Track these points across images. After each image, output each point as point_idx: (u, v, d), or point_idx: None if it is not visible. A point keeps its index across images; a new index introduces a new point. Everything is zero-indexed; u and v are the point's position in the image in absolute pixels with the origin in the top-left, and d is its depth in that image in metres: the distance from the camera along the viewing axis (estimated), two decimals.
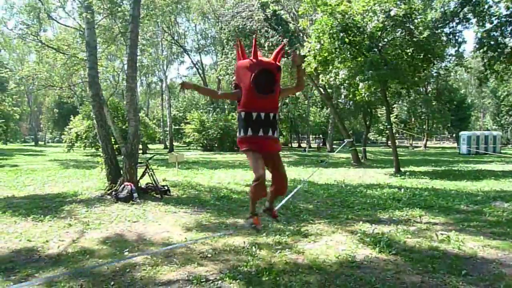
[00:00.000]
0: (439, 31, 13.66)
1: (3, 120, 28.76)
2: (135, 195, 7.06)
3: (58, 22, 16.74)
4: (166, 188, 7.92)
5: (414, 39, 12.14)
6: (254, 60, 3.34)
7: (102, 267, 3.63)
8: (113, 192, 7.24)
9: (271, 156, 3.52)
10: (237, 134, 3.54)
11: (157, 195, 7.51)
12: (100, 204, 6.80)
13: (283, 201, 5.47)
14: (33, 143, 48.54)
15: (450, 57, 15.57)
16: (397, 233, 4.78)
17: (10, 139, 41.38)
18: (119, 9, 10.02)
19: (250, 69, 3.31)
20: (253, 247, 4.21)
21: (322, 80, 13.13)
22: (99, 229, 5.14)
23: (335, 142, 32.01)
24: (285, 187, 3.70)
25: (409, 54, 12.57)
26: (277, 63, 3.44)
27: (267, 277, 3.32)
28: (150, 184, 7.83)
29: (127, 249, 4.18)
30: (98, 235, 4.82)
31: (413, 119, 36.73)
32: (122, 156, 7.70)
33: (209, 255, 3.97)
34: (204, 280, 3.27)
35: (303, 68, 3.36)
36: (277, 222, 4.63)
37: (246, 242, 4.42)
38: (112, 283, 3.23)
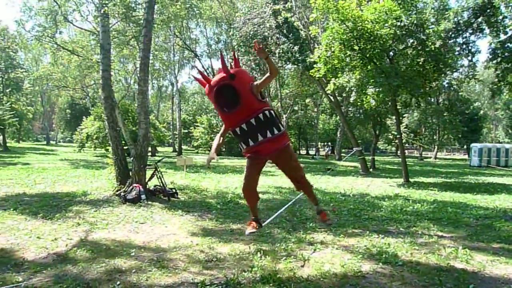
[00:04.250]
0: (451, 41, 13.59)
1: (17, 119, 29.26)
2: (143, 196, 7.13)
3: (74, 25, 17.07)
4: (173, 191, 7.98)
5: (426, 49, 12.09)
6: (209, 84, 3.36)
7: (109, 266, 3.67)
8: (122, 193, 7.31)
9: (276, 155, 3.53)
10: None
11: (164, 198, 7.57)
12: (108, 204, 6.88)
13: (272, 217, 5.44)
14: (45, 142, 49.30)
15: (462, 68, 15.45)
16: (404, 244, 4.73)
17: (23, 138, 42.07)
18: (133, 13, 10.20)
19: (210, 94, 3.37)
20: (258, 253, 4.21)
21: (334, 84, 13.11)
22: (106, 229, 5.21)
23: (343, 150, 31.84)
24: (301, 181, 3.76)
25: (420, 64, 12.52)
26: (230, 70, 3.31)
27: (271, 283, 3.32)
28: (158, 187, 7.89)
29: (134, 250, 4.21)
30: (106, 235, 4.88)
31: (423, 130, 36.39)
32: (131, 158, 7.78)
33: (214, 259, 3.98)
34: (209, 284, 3.28)
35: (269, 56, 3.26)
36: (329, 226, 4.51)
37: (251, 248, 4.42)
38: (118, 282, 3.26)
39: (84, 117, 28.77)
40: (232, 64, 3.49)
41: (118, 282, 3.28)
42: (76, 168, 14.97)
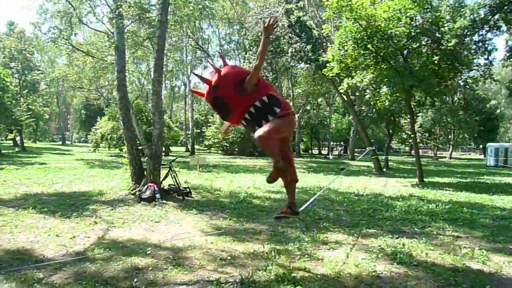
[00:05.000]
0: (467, 39, 13.35)
1: (34, 120, 29.89)
2: (158, 196, 7.23)
3: (89, 27, 17.35)
4: (187, 190, 8.07)
5: (441, 47, 11.92)
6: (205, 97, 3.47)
7: (126, 264, 3.75)
8: (137, 193, 7.43)
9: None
10: None
11: (178, 197, 7.66)
12: (124, 203, 7.00)
13: (308, 202, 5.46)
14: (60, 142, 50.22)
15: (479, 67, 15.14)
16: (419, 244, 4.70)
17: (39, 138, 42.95)
18: (147, 15, 10.33)
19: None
20: (272, 252, 4.24)
21: (348, 84, 13.03)
22: (122, 227, 5.30)
23: (356, 149, 31.60)
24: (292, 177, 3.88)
25: (435, 62, 12.34)
26: (213, 81, 3.30)
27: (286, 282, 3.34)
28: (173, 186, 7.99)
29: (150, 248, 4.29)
30: (122, 233, 4.98)
31: (438, 129, 35.87)
32: (146, 158, 7.90)
33: (229, 258, 4.03)
34: (224, 282, 3.33)
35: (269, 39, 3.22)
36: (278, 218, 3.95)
37: (265, 247, 4.45)
38: (135, 280, 3.33)
39: (98, 117, 29.23)
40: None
41: (135, 280, 3.35)
42: (91, 168, 15.24)
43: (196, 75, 3.80)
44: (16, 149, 30.50)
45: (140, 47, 11.25)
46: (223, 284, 3.29)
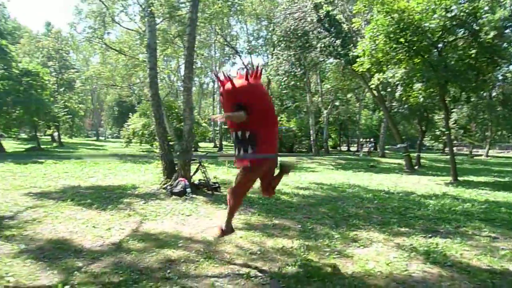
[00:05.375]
0: (508, 31, 12.68)
1: (70, 116, 31.19)
2: (189, 190, 7.39)
3: (121, 26, 17.89)
4: (217, 185, 8.19)
5: (479, 40, 11.39)
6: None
7: (159, 255, 3.87)
8: (168, 187, 7.63)
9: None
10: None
11: (208, 192, 7.79)
12: (156, 197, 7.21)
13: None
14: (94, 138, 52.16)
15: None
16: (453, 245, 4.56)
17: (75, 134, 44.77)
18: (178, 12, 10.53)
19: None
20: (301, 247, 4.25)
21: (378, 79, 12.73)
22: (155, 220, 5.47)
23: (387, 147, 30.85)
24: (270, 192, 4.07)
25: (472, 56, 11.81)
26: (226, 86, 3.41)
27: (315, 278, 3.34)
28: (202, 181, 8.13)
29: (181, 241, 4.41)
30: (155, 226, 5.14)
31: (474, 125, 34.34)
32: (177, 153, 8.09)
33: (258, 253, 4.07)
34: (254, 276, 3.37)
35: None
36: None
37: (294, 243, 4.47)
38: (168, 271, 3.45)
39: (130, 114, 30.10)
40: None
41: (168, 271, 3.46)
42: (124, 163, 15.74)
43: (216, 76, 3.88)
44: (54, 144, 32.00)
45: (170, 44, 11.48)
46: (253, 278, 3.33)
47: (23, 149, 24.08)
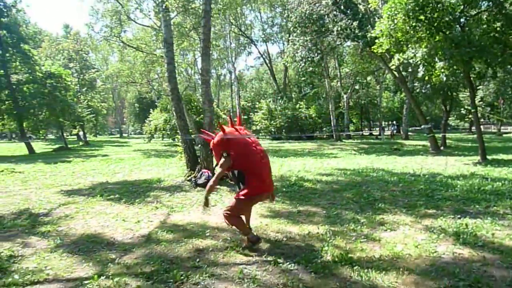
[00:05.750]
0: None
1: (94, 115, 32.03)
2: None
3: (136, 23, 18.09)
4: None
5: (504, 11, 10.88)
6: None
7: (188, 245, 3.97)
8: (192, 179, 7.75)
9: None
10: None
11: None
12: (181, 189, 7.36)
13: None
14: (118, 135, 53.43)
15: None
16: (484, 225, 4.45)
17: (99, 132, 46.01)
18: (191, 5, 10.55)
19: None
20: (327, 233, 4.25)
21: (398, 60, 12.40)
22: (181, 212, 5.59)
23: (410, 128, 30.17)
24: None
25: (498, 29, 11.30)
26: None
27: (343, 263, 3.35)
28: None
29: (209, 231, 4.49)
30: (182, 217, 5.25)
31: (501, 102, 33.05)
32: (199, 145, 8.19)
33: (284, 239, 4.11)
34: (281, 262, 3.41)
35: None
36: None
37: (319, 228, 4.47)
38: (197, 260, 3.53)
39: (151, 109, 30.63)
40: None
41: (197, 260, 3.54)
42: (148, 158, 16.10)
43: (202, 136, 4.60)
44: (80, 143, 32.99)
45: (186, 38, 11.53)
46: (280, 264, 3.37)
47: (52, 149, 24.96)
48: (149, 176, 9.53)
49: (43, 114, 23.26)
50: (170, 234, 4.43)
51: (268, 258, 3.52)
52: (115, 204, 6.22)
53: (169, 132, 26.22)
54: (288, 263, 3.39)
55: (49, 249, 3.96)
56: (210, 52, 11.23)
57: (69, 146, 26.87)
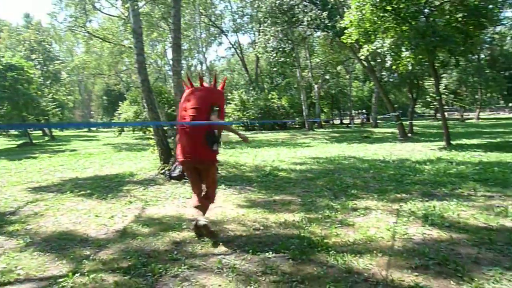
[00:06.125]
0: None
1: (60, 109, 30.77)
2: None
3: (102, 12, 17.43)
4: None
5: (465, 2, 11.32)
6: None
7: (165, 238, 3.94)
8: (166, 172, 7.65)
9: None
10: (215, 147, 3.87)
11: None
12: (155, 183, 7.25)
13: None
14: (86, 129, 51.67)
15: (507, 21, 14.35)
16: (450, 206, 4.69)
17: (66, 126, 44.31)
18: None
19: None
20: (303, 220, 4.34)
21: (368, 50, 12.67)
22: (156, 205, 5.52)
23: (379, 117, 31.02)
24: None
25: (460, 19, 11.76)
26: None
27: (319, 248, 3.43)
28: None
29: (185, 223, 4.47)
30: (157, 211, 5.19)
31: (464, 89, 34.52)
32: (172, 138, 8.07)
33: (262, 228, 4.15)
34: (260, 250, 3.45)
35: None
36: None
37: (295, 216, 4.55)
38: (175, 252, 3.51)
39: (120, 102, 29.80)
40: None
41: (175, 252, 3.52)
42: (119, 152, 15.71)
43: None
44: (46, 138, 31.69)
45: (156, 28, 11.25)
46: (258, 253, 3.41)
47: (15, 145, 23.85)
48: (121, 170, 9.32)
49: (5, 108, 22.12)
50: (146, 228, 4.38)
51: (246, 247, 3.55)
52: (87, 200, 6.05)
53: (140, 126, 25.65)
54: (266, 251, 3.44)
55: (19, 249, 3.82)
56: (182, 43, 11.00)
57: (34, 141, 25.76)
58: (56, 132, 38.68)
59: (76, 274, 3.08)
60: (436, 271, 2.88)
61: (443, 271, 2.88)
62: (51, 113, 28.40)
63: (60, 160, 12.57)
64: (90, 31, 17.61)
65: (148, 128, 24.91)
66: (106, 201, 5.93)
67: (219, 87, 4.17)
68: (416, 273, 2.85)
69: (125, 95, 29.97)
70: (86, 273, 3.10)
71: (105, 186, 7.15)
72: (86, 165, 10.95)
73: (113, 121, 31.86)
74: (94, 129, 54.98)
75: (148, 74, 9.20)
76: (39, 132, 36.30)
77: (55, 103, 29.45)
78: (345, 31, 13.28)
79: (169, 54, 34.75)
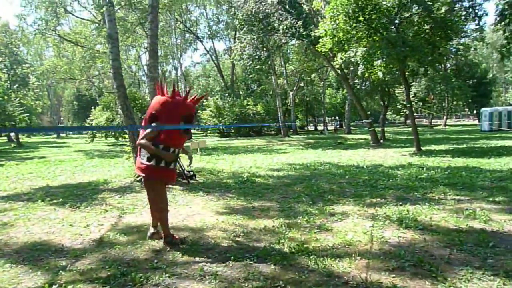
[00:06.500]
0: (458, 5, 13.28)
1: (27, 114, 29.57)
2: None
3: (74, 15, 17.03)
4: (192, 173, 8.18)
5: (432, 15, 11.88)
6: (185, 102, 3.75)
7: (144, 247, 3.88)
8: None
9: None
10: (145, 161, 3.76)
11: (183, 181, 7.77)
12: (131, 190, 7.12)
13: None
14: (55, 136, 49.85)
15: (470, 33, 15.15)
16: (422, 210, 4.88)
17: (33, 132, 42.62)
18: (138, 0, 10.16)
19: (181, 109, 3.70)
20: (283, 226, 4.39)
21: (341, 59, 13.01)
22: (134, 213, 5.43)
23: (352, 123, 31.75)
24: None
25: (427, 31, 12.32)
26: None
27: (300, 253, 3.49)
28: (177, 170, 8.08)
29: None
30: (135, 219, 5.10)
31: (432, 97, 35.99)
32: None
33: (242, 234, 4.17)
34: (241, 256, 3.47)
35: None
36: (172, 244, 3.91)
37: (275, 222, 4.60)
38: (155, 260, 3.47)
39: (92, 108, 29.02)
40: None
41: (156, 260, 3.48)
42: (91, 159, 15.27)
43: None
44: (12, 145, 30.32)
45: (132, 33, 11.11)
46: (240, 259, 3.43)
47: None
48: (94, 178, 9.08)
49: None
50: (124, 236, 4.30)
51: (228, 254, 3.56)
52: (59, 209, 5.86)
53: (113, 132, 25.06)
54: (247, 257, 3.46)
55: None
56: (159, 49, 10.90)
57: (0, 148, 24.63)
58: (23, 139, 37.13)
59: (53, 286, 2.99)
60: (412, 272, 3.00)
61: (418, 272, 3.00)
62: (18, 119, 27.24)
63: (29, 168, 12.08)
64: (61, 35, 17.07)
65: (122, 135, 24.36)
66: (80, 209, 5.77)
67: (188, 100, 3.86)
68: (394, 275, 2.96)
69: (97, 101, 29.22)
70: (63, 285, 3.01)
71: (79, 194, 6.95)
72: (57, 172, 10.59)
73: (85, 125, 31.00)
74: (63, 135, 53.18)
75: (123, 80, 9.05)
76: (4, 139, 34.74)
77: (22, 108, 28.27)
78: (320, 40, 13.60)
79: (143, 60, 34.30)
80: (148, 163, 3.73)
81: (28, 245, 4.14)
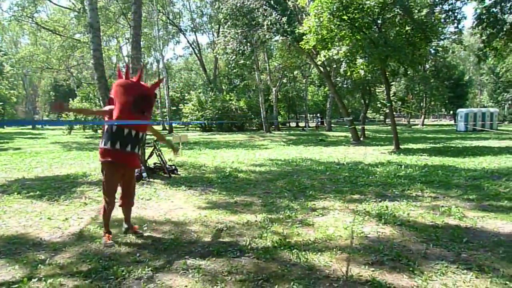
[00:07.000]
0: (437, 8, 13.63)
1: (1, 104, 28.59)
2: (144, 174, 7.26)
3: (52, 2, 16.51)
4: (173, 167, 8.12)
5: (413, 17, 12.14)
6: (138, 83, 3.85)
7: (125, 240, 3.84)
8: None
9: (128, 170, 3.90)
10: (101, 144, 3.76)
11: (165, 175, 7.71)
12: None
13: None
14: (30, 126, 48.35)
15: (449, 35, 15.58)
16: (400, 206, 5.03)
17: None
18: None
19: (134, 89, 3.74)
20: (265, 221, 4.43)
21: (324, 56, 13.13)
22: (114, 207, 5.33)
23: (333, 121, 32.15)
24: (132, 202, 4.16)
25: (408, 32, 12.59)
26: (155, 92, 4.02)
27: (282, 248, 3.54)
28: (158, 164, 8.01)
29: (145, 225, 4.39)
30: (115, 213, 4.95)
31: (411, 97, 36.85)
32: None
33: (225, 229, 4.19)
34: (224, 251, 3.49)
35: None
36: (141, 236, 4.03)
37: (257, 217, 4.64)
38: (138, 254, 3.44)
39: (70, 99, 28.29)
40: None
41: (138, 254, 3.45)
42: (69, 151, 14.92)
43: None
44: None
45: (114, 23, 10.86)
46: (223, 253, 3.45)
47: None
48: (72, 170, 8.88)
49: None
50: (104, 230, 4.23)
51: (211, 248, 3.57)
52: (37, 202, 5.72)
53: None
54: (230, 251, 3.48)
55: None
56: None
57: None
58: None
59: (32, 280, 2.93)
60: (391, 266, 3.09)
61: (396, 266, 3.10)
62: None
63: (3, 159, 11.70)
64: (38, 22, 16.55)
65: (101, 127, 23.89)
66: (59, 202, 5.65)
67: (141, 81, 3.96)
68: (373, 269, 3.04)
69: (75, 92, 28.49)
70: (43, 278, 2.95)
71: (57, 187, 6.80)
72: (33, 164, 10.30)
73: (61, 119, 30.11)
74: (39, 126, 51.66)
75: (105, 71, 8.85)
76: None
77: None
78: (304, 37, 13.68)
79: (125, 51, 33.60)
80: (103, 146, 3.72)
81: (5, 238, 4.03)
